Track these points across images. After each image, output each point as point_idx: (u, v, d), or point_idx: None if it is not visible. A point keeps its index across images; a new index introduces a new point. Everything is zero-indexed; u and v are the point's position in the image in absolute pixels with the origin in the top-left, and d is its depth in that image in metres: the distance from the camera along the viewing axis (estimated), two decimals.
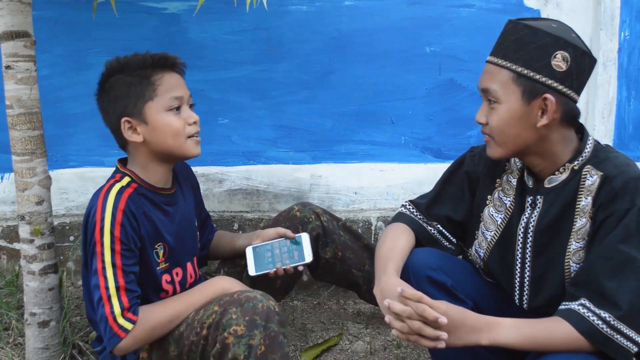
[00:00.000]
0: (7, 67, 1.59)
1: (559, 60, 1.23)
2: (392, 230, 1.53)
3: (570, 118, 1.28)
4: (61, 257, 2.25)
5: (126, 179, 1.48)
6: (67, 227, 2.26)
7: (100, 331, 1.42)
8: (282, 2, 2.19)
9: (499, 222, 1.43)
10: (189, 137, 1.48)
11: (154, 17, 2.20)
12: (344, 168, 2.31)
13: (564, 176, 1.30)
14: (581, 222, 1.27)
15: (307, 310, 2.17)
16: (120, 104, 1.47)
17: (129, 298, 1.38)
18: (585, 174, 1.28)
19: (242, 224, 2.25)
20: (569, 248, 1.28)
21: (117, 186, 1.44)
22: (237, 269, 1.76)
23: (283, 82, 2.26)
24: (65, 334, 1.76)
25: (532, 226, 1.34)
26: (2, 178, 2.30)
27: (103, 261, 1.37)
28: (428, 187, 1.63)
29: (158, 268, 1.50)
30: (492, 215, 1.44)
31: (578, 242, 1.27)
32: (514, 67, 1.25)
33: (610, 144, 2.03)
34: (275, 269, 1.62)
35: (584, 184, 1.27)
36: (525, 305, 1.38)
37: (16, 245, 2.24)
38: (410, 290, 1.20)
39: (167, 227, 1.52)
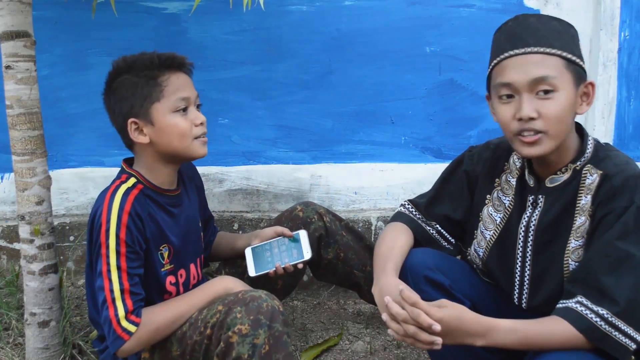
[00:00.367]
0: (7, 67, 1.60)
1: (581, 50, 1.28)
2: (391, 230, 1.53)
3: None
4: (61, 257, 2.25)
5: (132, 180, 1.47)
6: (67, 227, 2.26)
7: (103, 332, 1.42)
8: (282, 2, 2.20)
9: (498, 222, 1.43)
10: (196, 138, 1.48)
11: (154, 17, 2.20)
12: (344, 168, 2.31)
13: (565, 176, 1.30)
14: (580, 221, 1.27)
15: (307, 310, 2.17)
16: (126, 104, 1.46)
17: (133, 301, 1.38)
18: (586, 173, 1.28)
19: (242, 224, 2.25)
20: (568, 246, 1.28)
21: (123, 187, 1.43)
22: (239, 269, 1.76)
23: (283, 82, 2.26)
24: (65, 334, 1.76)
25: (533, 225, 1.34)
26: (2, 178, 2.30)
27: (108, 263, 1.37)
28: (428, 187, 1.63)
29: (162, 269, 1.50)
30: (491, 214, 1.44)
31: (577, 240, 1.27)
32: (564, 53, 1.23)
33: (610, 143, 2.03)
34: (274, 269, 1.62)
35: (584, 183, 1.27)
36: (524, 305, 1.38)
37: (16, 245, 2.24)
38: (407, 292, 1.20)
39: (172, 229, 1.52)
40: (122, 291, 1.36)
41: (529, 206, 1.36)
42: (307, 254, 1.63)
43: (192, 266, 1.59)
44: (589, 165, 1.28)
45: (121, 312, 1.36)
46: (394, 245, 1.46)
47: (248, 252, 1.66)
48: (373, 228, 2.24)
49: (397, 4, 2.21)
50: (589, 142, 1.31)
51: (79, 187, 2.30)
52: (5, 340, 1.87)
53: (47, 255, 1.68)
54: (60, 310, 1.73)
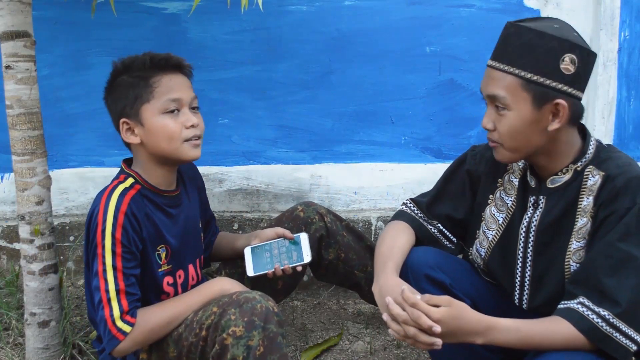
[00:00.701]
0: (7, 67, 1.60)
1: (567, 64, 1.21)
2: (392, 229, 1.53)
3: (578, 117, 1.28)
4: (61, 257, 2.25)
5: (130, 180, 1.47)
6: (67, 227, 2.26)
7: (100, 333, 1.42)
8: (282, 2, 2.19)
9: (500, 222, 1.43)
10: (187, 140, 1.45)
11: (154, 17, 2.20)
12: (344, 168, 2.31)
13: (567, 177, 1.30)
14: (582, 222, 1.27)
15: (307, 310, 2.17)
16: (120, 104, 1.47)
17: (129, 301, 1.38)
18: (587, 174, 1.28)
19: (242, 224, 2.25)
20: (570, 247, 1.28)
21: (120, 187, 1.44)
22: (239, 270, 1.76)
23: (283, 82, 2.26)
24: (65, 334, 1.76)
25: (534, 226, 1.34)
26: (2, 178, 2.30)
27: (104, 263, 1.37)
28: (428, 187, 1.63)
29: (160, 270, 1.50)
30: (494, 214, 1.44)
31: (579, 242, 1.27)
32: (522, 73, 1.22)
33: (611, 143, 2.03)
34: (273, 270, 1.61)
35: (585, 184, 1.27)
36: (524, 305, 1.38)
37: (16, 245, 2.24)
38: (407, 293, 1.20)
39: (170, 229, 1.52)
40: (117, 291, 1.37)
41: (530, 207, 1.36)
42: (307, 257, 1.63)
43: (190, 267, 1.59)
44: (590, 166, 1.28)
45: (116, 312, 1.36)
46: (394, 243, 1.45)
47: (247, 252, 1.65)
48: (373, 228, 2.24)
49: (397, 4, 2.21)
50: (591, 143, 1.31)
51: (79, 187, 2.30)
52: (5, 340, 1.87)
53: (47, 255, 1.68)
54: (60, 310, 1.73)
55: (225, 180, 2.31)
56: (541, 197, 1.34)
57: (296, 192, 2.31)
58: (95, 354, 1.70)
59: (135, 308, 1.40)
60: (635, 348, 1.15)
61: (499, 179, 1.45)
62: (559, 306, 1.22)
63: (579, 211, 1.27)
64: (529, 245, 1.35)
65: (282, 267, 1.61)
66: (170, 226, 1.52)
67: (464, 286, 1.43)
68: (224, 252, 1.80)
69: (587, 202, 1.27)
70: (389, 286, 1.31)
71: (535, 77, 1.22)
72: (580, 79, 1.23)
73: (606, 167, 1.26)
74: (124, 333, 1.36)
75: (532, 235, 1.34)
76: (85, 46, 2.21)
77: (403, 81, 2.26)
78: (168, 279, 1.52)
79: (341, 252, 1.81)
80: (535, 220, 1.34)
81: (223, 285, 1.48)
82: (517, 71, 1.23)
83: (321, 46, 2.23)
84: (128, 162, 1.55)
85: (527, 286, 1.37)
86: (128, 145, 1.52)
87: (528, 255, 1.36)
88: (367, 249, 1.85)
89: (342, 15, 2.21)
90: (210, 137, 2.27)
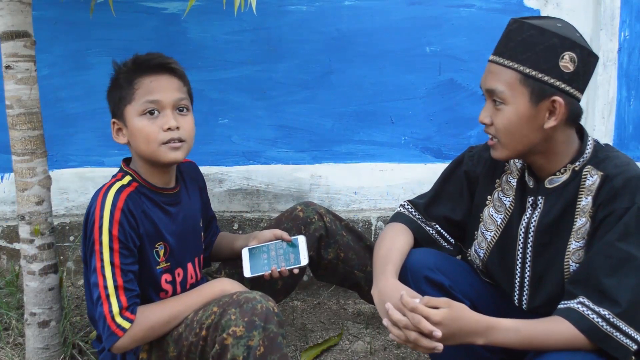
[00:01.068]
0: (7, 67, 1.60)
1: (567, 62, 1.22)
2: (390, 231, 1.52)
3: (575, 117, 1.28)
4: (61, 257, 2.25)
5: (127, 178, 1.48)
6: (67, 227, 2.26)
7: (99, 329, 1.42)
8: (282, 2, 2.20)
9: (498, 223, 1.43)
10: (164, 143, 1.43)
11: (154, 17, 2.20)
12: (344, 168, 2.31)
13: (565, 177, 1.30)
14: (581, 222, 1.27)
15: (307, 310, 2.17)
16: (110, 105, 1.50)
17: (128, 297, 1.38)
18: (586, 174, 1.28)
19: (242, 224, 2.25)
20: (569, 248, 1.28)
21: (117, 185, 1.45)
22: (239, 270, 1.75)
23: (283, 82, 2.26)
24: (65, 334, 1.76)
25: (533, 226, 1.34)
26: (2, 178, 2.30)
27: (102, 260, 1.38)
28: (428, 187, 1.63)
29: (158, 267, 1.50)
30: (492, 215, 1.44)
31: (578, 242, 1.27)
32: (521, 68, 1.23)
33: (610, 144, 2.03)
34: (270, 271, 1.61)
35: (584, 184, 1.27)
36: (524, 306, 1.38)
37: (16, 245, 2.24)
38: (406, 298, 1.19)
39: (168, 227, 1.52)
40: (116, 287, 1.37)
41: (528, 207, 1.36)
42: (304, 260, 1.62)
43: (189, 265, 1.59)
44: (589, 166, 1.28)
45: (115, 308, 1.37)
46: (393, 246, 1.45)
47: (245, 253, 1.65)
48: (373, 228, 2.24)
49: (397, 4, 2.21)
50: (589, 143, 1.31)
51: (79, 187, 2.30)
52: (5, 340, 1.87)
53: (47, 255, 1.68)
54: (60, 310, 1.73)
55: (225, 180, 2.31)
56: (539, 197, 1.34)
57: (296, 192, 2.31)
58: (95, 354, 1.70)
59: (135, 304, 1.40)
60: (635, 347, 1.15)
61: (497, 180, 1.45)
62: (559, 306, 1.22)
63: (578, 211, 1.27)
64: (528, 245, 1.35)
65: (278, 269, 1.61)
66: (169, 224, 1.52)
67: (463, 287, 1.43)
68: (223, 252, 1.80)
69: (585, 202, 1.26)
70: (388, 290, 1.31)
71: (533, 73, 1.22)
72: (579, 78, 1.23)
73: (604, 166, 1.26)
74: (123, 329, 1.36)
75: (531, 236, 1.34)
76: (85, 46, 2.21)
77: (403, 81, 2.26)
78: (166, 277, 1.52)
79: (341, 252, 1.81)
80: (534, 221, 1.34)
81: (224, 286, 1.48)
82: (516, 66, 1.24)
83: (321, 46, 2.23)
84: (127, 161, 1.56)
85: (527, 287, 1.37)
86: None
87: (527, 255, 1.36)
88: (367, 249, 1.85)
89: (342, 15, 2.21)
90: (210, 137, 2.27)
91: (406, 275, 1.39)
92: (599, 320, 1.15)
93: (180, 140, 1.45)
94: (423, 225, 1.54)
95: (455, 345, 1.20)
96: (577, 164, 1.29)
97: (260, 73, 2.24)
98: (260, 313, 1.31)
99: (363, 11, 2.21)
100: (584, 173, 1.28)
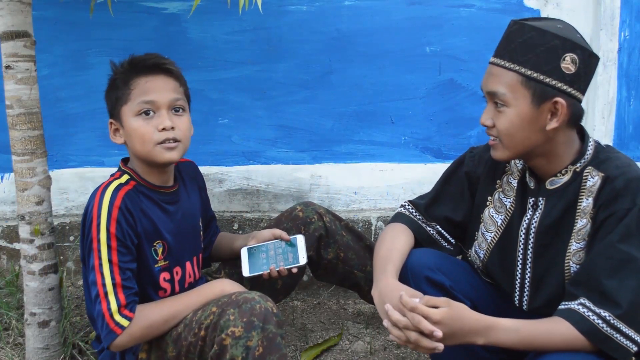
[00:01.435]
0: (7, 67, 1.60)
1: (568, 63, 1.21)
2: (391, 231, 1.52)
3: (577, 119, 1.28)
4: (61, 257, 2.25)
5: (125, 177, 1.49)
6: (67, 227, 2.26)
7: (97, 328, 1.43)
8: (282, 2, 2.20)
9: (499, 223, 1.42)
10: (159, 143, 1.44)
11: (154, 17, 2.20)
12: (344, 168, 2.31)
13: (566, 178, 1.30)
14: (582, 223, 1.27)
15: (307, 310, 2.17)
16: (108, 105, 1.51)
17: (126, 295, 1.38)
18: (587, 175, 1.28)
19: (242, 224, 2.25)
20: (570, 249, 1.28)
21: (115, 183, 1.45)
22: (238, 270, 1.75)
23: (283, 82, 2.26)
24: (65, 334, 1.76)
25: (534, 227, 1.34)
26: (2, 178, 2.30)
27: (100, 258, 1.38)
28: (428, 187, 1.63)
29: (156, 266, 1.50)
30: (493, 216, 1.44)
31: (578, 243, 1.27)
32: (522, 69, 1.23)
33: (610, 144, 2.04)
34: (269, 270, 1.61)
35: (585, 185, 1.27)
36: (525, 306, 1.38)
37: (16, 245, 2.24)
38: (405, 299, 1.20)
39: (167, 225, 1.52)
40: (114, 285, 1.37)
41: (529, 208, 1.36)
42: (303, 259, 1.62)
43: (188, 264, 1.59)
44: (589, 167, 1.28)
45: (114, 306, 1.37)
46: (393, 246, 1.45)
47: (244, 252, 1.65)
48: (373, 228, 2.24)
49: (397, 4, 2.21)
50: (590, 144, 1.31)
51: (79, 187, 2.30)
52: (5, 340, 1.87)
53: (47, 255, 1.68)
54: (60, 310, 1.73)
55: (225, 180, 2.31)
56: (540, 198, 1.33)
57: (296, 192, 2.31)
58: (95, 354, 1.70)
59: (133, 302, 1.40)
60: (635, 349, 1.15)
61: (498, 181, 1.45)
62: (559, 307, 1.22)
63: (579, 212, 1.27)
64: (529, 246, 1.35)
65: (277, 269, 1.61)
66: (167, 222, 1.53)
67: (463, 288, 1.43)
68: (222, 252, 1.80)
69: (586, 203, 1.26)
70: (389, 291, 1.31)
71: (535, 75, 1.22)
72: (581, 80, 1.23)
73: (605, 168, 1.26)
74: (122, 327, 1.37)
75: (532, 237, 1.34)
76: (85, 46, 2.21)
77: (403, 81, 2.26)
78: (165, 275, 1.52)
79: (340, 252, 1.81)
80: (535, 222, 1.34)
81: (224, 286, 1.48)
82: (517, 68, 1.23)
83: (321, 46, 2.23)
84: (126, 161, 1.57)
85: (527, 287, 1.37)
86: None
87: (528, 256, 1.36)
88: (367, 249, 1.85)
89: (342, 15, 2.21)
90: (210, 137, 2.27)
91: (407, 276, 1.39)
92: (600, 321, 1.15)
93: (176, 140, 1.46)
94: (424, 225, 1.54)
95: (454, 345, 1.20)
96: (578, 165, 1.29)
97: (260, 73, 2.24)
98: (259, 313, 1.31)
99: (363, 11, 2.21)
100: (584, 174, 1.28)
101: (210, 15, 2.19)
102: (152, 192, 1.51)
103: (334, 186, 2.31)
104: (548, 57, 1.21)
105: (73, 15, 2.18)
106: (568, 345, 1.16)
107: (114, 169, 1.56)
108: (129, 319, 1.37)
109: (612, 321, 1.15)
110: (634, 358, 1.19)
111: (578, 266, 1.26)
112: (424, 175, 2.29)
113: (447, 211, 1.53)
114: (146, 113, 1.44)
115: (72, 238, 2.26)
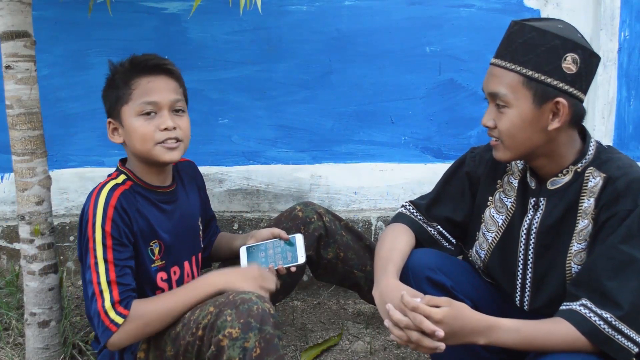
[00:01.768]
0: (7, 67, 1.60)
1: (569, 63, 1.21)
2: (391, 231, 1.52)
3: (578, 119, 1.27)
4: (61, 257, 2.25)
5: (122, 177, 1.49)
6: (67, 227, 2.26)
7: (94, 326, 1.42)
8: (282, 2, 2.19)
9: (500, 224, 1.42)
10: (159, 143, 1.45)
11: (154, 17, 2.20)
12: (344, 168, 2.31)
13: (567, 178, 1.30)
14: (583, 224, 1.27)
15: (307, 310, 2.17)
16: (106, 105, 1.52)
17: (120, 291, 1.38)
18: (588, 176, 1.27)
19: (242, 224, 2.25)
20: (571, 249, 1.28)
21: (111, 183, 1.46)
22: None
23: (283, 82, 2.26)
24: (65, 334, 1.76)
25: (535, 228, 1.34)
26: (2, 178, 2.30)
27: (95, 256, 1.39)
28: (428, 187, 1.63)
29: (153, 265, 1.50)
30: (493, 216, 1.44)
31: (580, 244, 1.27)
32: (523, 70, 1.23)
33: (610, 144, 2.04)
34: (267, 270, 1.61)
35: (586, 186, 1.27)
36: (526, 307, 1.38)
37: (16, 245, 2.24)
38: (406, 298, 1.20)
39: (164, 225, 1.52)
40: (108, 282, 1.38)
41: (530, 209, 1.36)
42: (302, 258, 1.63)
43: (186, 264, 1.59)
44: (591, 167, 1.28)
45: (108, 303, 1.37)
46: (394, 246, 1.45)
47: (242, 251, 1.66)
48: (373, 228, 2.24)
49: (397, 4, 2.21)
50: (591, 144, 1.31)
51: (79, 187, 2.30)
52: (5, 340, 1.87)
53: (47, 255, 1.68)
54: (60, 310, 1.73)
55: (225, 180, 2.31)
56: (541, 198, 1.33)
57: (296, 192, 2.31)
58: (94, 354, 1.70)
59: (129, 298, 1.40)
60: (636, 350, 1.15)
61: (498, 181, 1.45)
62: (561, 307, 1.22)
63: (580, 213, 1.27)
64: (530, 247, 1.35)
65: (276, 268, 1.61)
66: (164, 222, 1.53)
67: (464, 288, 1.43)
68: (222, 252, 1.80)
69: (588, 203, 1.26)
70: (390, 291, 1.31)
71: (536, 75, 1.22)
72: (582, 79, 1.23)
73: (607, 168, 1.26)
74: (117, 324, 1.36)
75: (533, 237, 1.34)
76: (85, 46, 2.21)
77: (403, 81, 2.26)
78: (162, 275, 1.52)
79: (340, 252, 1.81)
80: (536, 222, 1.34)
81: (214, 278, 1.45)
82: (518, 68, 1.23)
83: (321, 46, 2.23)
84: (124, 161, 1.57)
85: (528, 288, 1.36)
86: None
87: (529, 257, 1.35)
88: (367, 249, 1.85)
89: (342, 15, 2.21)
90: (210, 137, 2.27)
91: (408, 276, 1.39)
92: (601, 322, 1.15)
93: (178, 140, 1.47)
94: (424, 225, 1.54)
95: (455, 345, 1.20)
96: (579, 165, 1.29)
97: (260, 73, 2.24)
98: (256, 315, 1.30)
99: (363, 11, 2.21)
100: (586, 175, 1.28)
101: (210, 15, 2.19)
102: (149, 192, 1.51)
103: (334, 186, 2.31)
104: (549, 57, 1.21)
105: (73, 15, 2.18)
106: (569, 345, 1.16)
107: (114, 169, 1.57)
108: (124, 316, 1.37)
109: (613, 322, 1.15)
110: (634, 359, 1.19)
111: (579, 267, 1.26)
112: (424, 176, 2.29)
113: (448, 211, 1.53)
114: (148, 114, 1.45)
115: (72, 238, 2.26)
